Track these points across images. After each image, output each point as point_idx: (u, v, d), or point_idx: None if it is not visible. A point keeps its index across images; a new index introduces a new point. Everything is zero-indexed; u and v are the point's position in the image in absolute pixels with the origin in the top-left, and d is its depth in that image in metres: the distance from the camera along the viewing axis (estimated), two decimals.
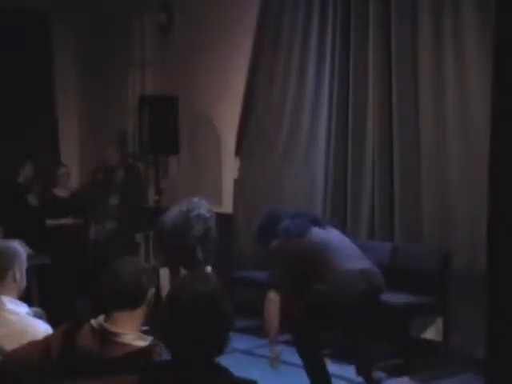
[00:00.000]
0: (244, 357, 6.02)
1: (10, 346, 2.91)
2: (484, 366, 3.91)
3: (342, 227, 6.16)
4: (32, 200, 7.58)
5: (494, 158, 3.12)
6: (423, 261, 6.01)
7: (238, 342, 6.27)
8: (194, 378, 2.23)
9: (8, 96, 8.34)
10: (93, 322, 2.71)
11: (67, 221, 7.64)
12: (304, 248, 4.90)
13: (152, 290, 2.79)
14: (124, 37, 8.72)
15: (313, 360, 4.86)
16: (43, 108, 8.87)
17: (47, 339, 2.78)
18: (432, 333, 6.12)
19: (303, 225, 4.99)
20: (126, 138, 8.72)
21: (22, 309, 3.23)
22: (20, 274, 3.30)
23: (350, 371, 5.45)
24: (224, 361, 2.29)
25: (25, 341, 2.84)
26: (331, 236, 5.06)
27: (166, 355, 2.42)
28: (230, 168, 7.69)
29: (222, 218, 6.44)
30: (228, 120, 7.65)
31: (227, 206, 7.61)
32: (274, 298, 4.81)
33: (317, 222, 5.11)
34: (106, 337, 2.65)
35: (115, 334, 2.65)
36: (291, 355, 5.08)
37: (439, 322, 6.01)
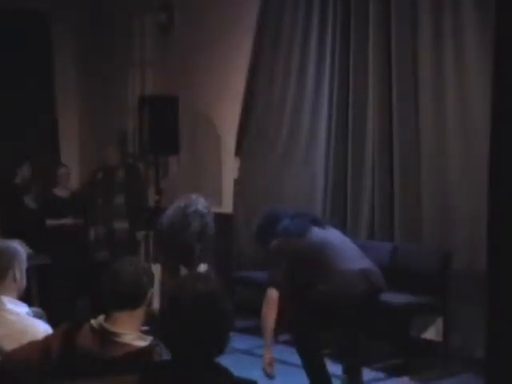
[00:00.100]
0: (244, 357, 6.02)
1: (9, 345, 2.90)
2: (484, 365, 3.91)
3: (342, 227, 6.16)
4: (29, 201, 7.56)
5: (493, 157, 3.12)
6: (423, 261, 6.01)
7: (237, 342, 6.28)
8: (193, 378, 2.23)
9: (8, 96, 8.34)
10: (93, 321, 2.71)
11: (67, 221, 7.64)
12: (304, 248, 4.90)
13: (152, 290, 2.79)
14: (124, 37, 8.72)
15: (313, 360, 4.85)
16: (43, 108, 8.87)
17: (47, 339, 2.78)
18: (432, 333, 6.12)
19: (303, 225, 4.98)
20: (126, 138, 8.72)
21: (22, 309, 3.23)
22: (20, 273, 3.30)
23: None
24: (224, 361, 2.29)
25: (25, 341, 2.84)
26: (331, 236, 5.05)
27: (165, 355, 2.42)
28: (230, 168, 7.69)
29: (222, 218, 6.44)
30: (228, 120, 7.65)
31: (227, 206, 7.61)
32: (272, 298, 4.80)
33: (317, 222, 5.10)
34: (106, 337, 2.65)
35: (115, 334, 2.65)
36: (291, 355, 5.08)
37: (439, 322, 6.01)
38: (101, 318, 2.71)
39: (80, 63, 9.16)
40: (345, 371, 5.17)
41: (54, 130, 9.02)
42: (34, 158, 7.93)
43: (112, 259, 6.90)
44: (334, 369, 5.24)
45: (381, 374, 5.72)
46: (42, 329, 3.09)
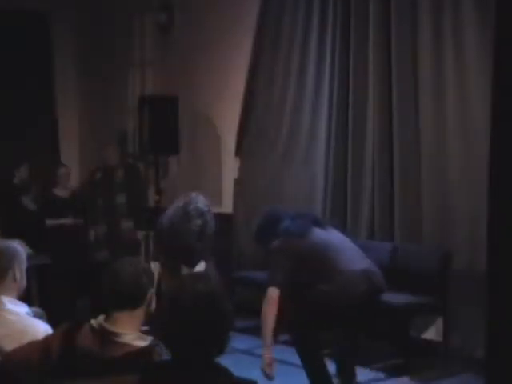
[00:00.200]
0: (244, 357, 6.01)
1: (10, 346, 2.90)
2: (484, 365, 3.91)
3: (342, 227, 6.16)
4: (27, 201, 7.56)
5: (493, 157, 3.12)
6: (423, 261, 6.01)
7: (237, 342, 6.28)
8: (194, 378, 2.23)
9: (8, 96, 8.34)
10: (93, 321, 2.70)
11: (67, 221, 7.63)
12: (305, 248, 4.90)
13: (152, 290, 2.79)
14: (124, 37, 8.72)
15: (312, 360, 4.85)
16: (43, 108, 8.87)
17: (47, 339, 2.78)
18: (432, 333, 6.12)
19: (304, 225, 4.98)
20: (126, 138, 8.72)
21: (22, 309, 3.23)
22: (20, 273, 3.30)
23: None
24: (224, 361, 2.29)
25: (25, 341, 2.84)
26: (332, 236, 5.05)
27: (166, 355, 2.42)
28: (230, 168, 7.69)
29: (222, 218, 6.43)
30: (228, 120, 7.65)
31: (227, 206, 7.61)
32: (272, 298, 4.80)
33: (317, 223, 5.10)
34: (106, 337, 2.65)
35: (115, 334, 2.65)
36: (291, 355, 5.07)
37: (439, 322, 6.01)
38: (101, 318, 2.71)
39: (80, 63, 9.16)
40: (339, 370, 5.16)
41: (54, 129, 9.02)
42: (34, 158, 7.93)
43: (112, 259, 6.91)
44: (334, 369, 5.24)
45: (381, 374, 5.72)
46: (42, 329, 3.09)
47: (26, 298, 3.37)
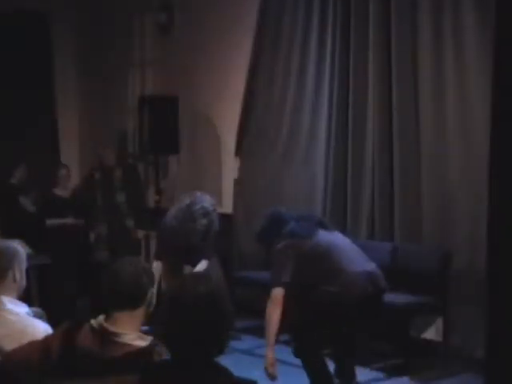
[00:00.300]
0: (244, 357, 6.01)
1: (10, 346, 2.90)
2: (484, 365, 3.92)
3: (342, 227, 6.17)
4: (24, 202, 7.55)
5: (493, 157, 3.13)
6: (423, 261, 6.01)
7: (237, 342, 6.28)
8: (194, 378, 2.23)
9: (8, 96, 8.34)
10: (93, 321, 2.70)
11: (68, 221, 7.63)
12: (310, 250, 4.91)
13: (152, 290, 2.79)
14: (124, 37, 8.72)
15: (313, 360, 4.86)
16: (43, 108, 8.87)
17: (47, 339, 2.78)
18: (432, 333, 6.12)
19: (309, 227, 5.00)
20: (126, 138, 8.72)
21: (22, 309, 3.23)
22: (20, 274, 3.30)
23: None
24: (224, 361, 2.29)
25: (25, 341, 2.84)
26: (337, 238, 5.07)
27: (166, 355, 2.42)
28: (230, 168, 7.69)
29: (222, 218, 6.43)
30: (228, 120, 7.65)
31: (227, 206, 7.61)
32: (276, 298, 4.80)
33: (322, 225, 5.12)
34: (106, 337, 2.65)
35: (115, 334, 2.65)
36: (291, 355, 5.07)
37: (439, 321, 6.01)
38: (101, 317, 2.71)
39: (80, 63, 9.16)
40: (338, 371, 5.17)
41: (54, 130, 9.01)
42: (34, 158, 7.93)
43: (112, 259, 6.92)
44: (334, 369, 5.24)
45: (381, 374, 5.72)
46: (41, 329, 3.09)
47: (26, 298, 3.37)
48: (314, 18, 6.86)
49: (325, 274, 4.83)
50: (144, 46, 8.65)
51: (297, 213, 5.28)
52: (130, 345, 2.64)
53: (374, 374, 5.69)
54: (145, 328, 2.77)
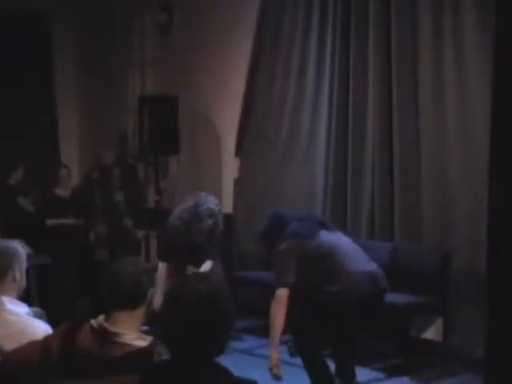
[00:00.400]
0: (244, 357, 6.01)
1: (10, 345, 2.90)
2: (484, 365, 3.91)
3: (342, 227, 6.16)
4: (22, 202, 7.54)
5: (493, 157, 3.13)
6: (423, 261, 6.01)
7: (237, 341, 6.28)
8: (193, 378, 2.23)
9: (8, 96, 8.34)
10: (93, 321, 2.70)
11: (68, 221, 7.63)
12: (312, 250, 4.92)
13: (152, 290, 2.79)
14: (124, 37, 8.72)
15: (313, 361, 4.86)
16: (43, 108, 8.87)
17: (47, 339, 2.78)
18: (432, 333, 6.12)
19: (311, 227, 5.01)
20: (126, 138, 8.72)
21: (22, 309, 3.23)
22: (20, 274, 3.30)
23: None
24: (224, 361, 2.29)
25: (25, 341, 2.84)
26: (339, 239, 5.08)
27: (166, 355, 2.42)
28: (230, 168, 7.69)
29: (222, 218, 6.44)
30: (228, 120, 7.65)
31: (227, 206, 7.60)
32: (281, 298, 4.81)
33: (324, 225, 5.13)
34: (106, 337, 2.65)
35: (115, 334, 2.65)
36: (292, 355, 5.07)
37: (439, 321, 6.01)
38: (101, 317, 2.71)
39: (80, 63, 9.16)
40: (338, 371, 5.17)
41: (54, 130, 9.01)
42: (34, 158, 7.94)
43: (112, 258, 6.92)
44: (334, 369, 5.24)
45: (381, 374, 5.72)
46: (41, 329, 3.09)
47: (26, 298, 3.36)
48: (314, 18, 6.86)
49: (327, 275, 4.84)
50: (144, 46, 8.65)
51: (299, 213, 5.29)
52: (130, 345, 2.64)
53: (373, 374, 5.69)
54: (145, 328, 2.77)
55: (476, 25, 5.73)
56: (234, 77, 7.55)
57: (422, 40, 6.12)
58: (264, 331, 6.38)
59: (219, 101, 7.75)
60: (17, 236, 3.77)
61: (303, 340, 4.85)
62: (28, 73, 8.62)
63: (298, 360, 4.90)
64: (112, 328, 2.66)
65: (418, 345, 6.01)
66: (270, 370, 4.74)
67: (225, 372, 2.26)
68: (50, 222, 7.50)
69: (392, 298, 5.47)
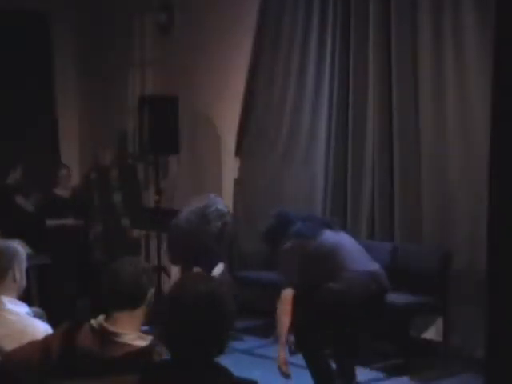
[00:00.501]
0: (244, 357, 6.01)
1: (10, 346, 2.90)
2: (484, 365, 3.92)
3: (342, 227, 6.16)
4: (21, 201, 7.53)
5: (493, 157, 3.13)
6: (423, 261, 6.01)
7: (238, 341, 6.28)
8: (193, 378, 2.23)
9: (8, 96, 8.34)
10: (93, 321, 2.70)
11: (68, 221, 7.62)
12: (314, 250, 4.94)
13: (152, 290, 2.79)
14: (124, 37, 8.72)
15: (317, 360, 4.87)
16: (43, 108, 8.87)
17: (47, 339, 2.78)
18: (432, 333, 6.11)
19: (315, 227, 5.04)
20: (126, 138, 8.72)
21: (22, 309, 3.23)
22: (20, 274, 3.30)
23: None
24: (224, 361, 2.29)
25: (25, 341, 2.84)
26: (342, 239, 5.11)
27: (166, 355, 2.42)
28: (230, 168, 7.69)
29: None
30: (228, 120, 7.65)
31: (227, 206, 7.60)
32: (286, 298, 4.82)
33: (328, 225, 5.15)
34: (106, 337, 2.65)
35: (115, 334, 2.65)
36: (295, 355, 5.07)
37: (439, 321, 6.01)
38: (101, 317, 2.71)
39: (80, 63, 9.16)
40: (339, 371, 5.17)
41: (54, 130, 9.01)
42: (34, 158, 7.93)
43: (110, 258, 6.92)
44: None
45: (381, 374, 5.72)
46: (41, 329, 3.10)
47: (26, 298, 3.37)
48: (314, 18, 6.86)
49: (329, 274, 4.86)
50: (144, 46, 8.64)
51: (303, 213, 5.30)
52: (130, 345, 2.64)
53: (374, 374, 5.69)
54: (145, 328, 2.77)
55: (476, 25, 5.73)
56: (233, 77, 7.55)
57: (422, 40, 6.12)
58: (264, 331, 6.40)
59: (219, 101, 7.75)
60: (17, 236, 3.76)
61: (305, 340, 4.86)
62: (28, 73, 8.62)
63: (301, 360, 4.91)
64: (112, 328, 2.66)
65: (418, 345, 6.01)
66: (279, 367, 4.79)
67: (225, 372, 2.26)
68: (49, 222, 7.50)
69: (392, 297, 5.47)
